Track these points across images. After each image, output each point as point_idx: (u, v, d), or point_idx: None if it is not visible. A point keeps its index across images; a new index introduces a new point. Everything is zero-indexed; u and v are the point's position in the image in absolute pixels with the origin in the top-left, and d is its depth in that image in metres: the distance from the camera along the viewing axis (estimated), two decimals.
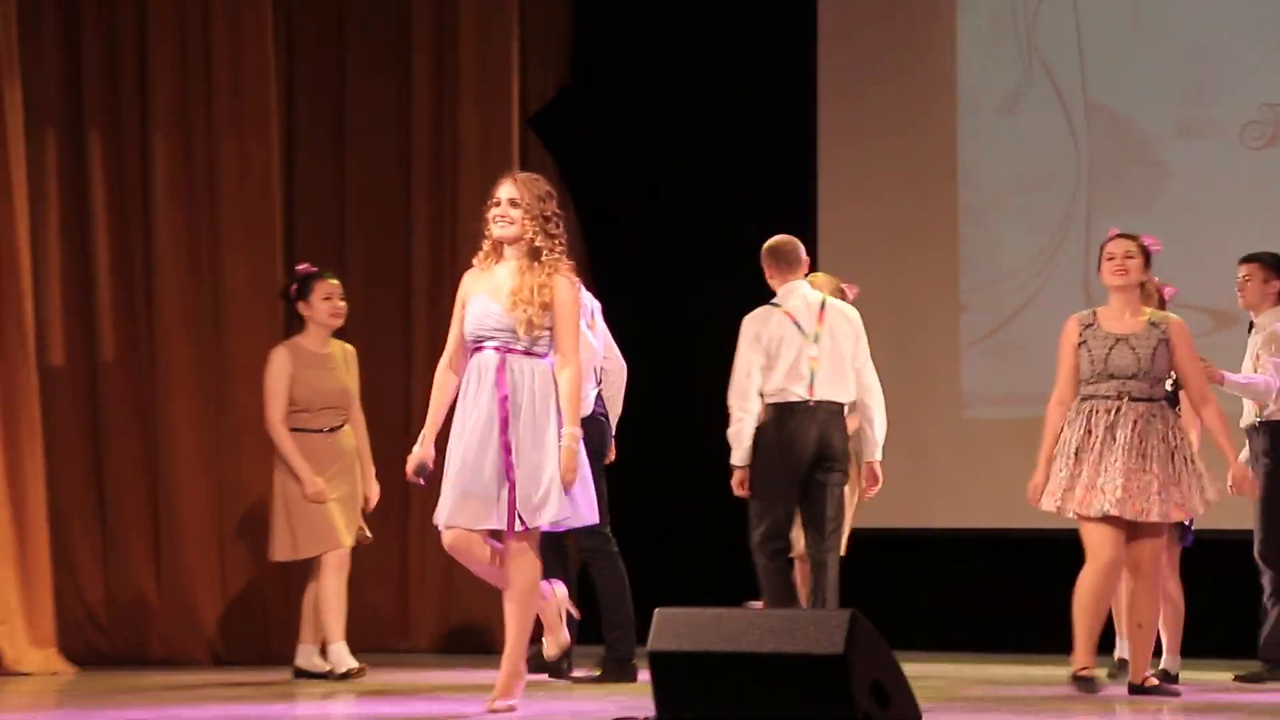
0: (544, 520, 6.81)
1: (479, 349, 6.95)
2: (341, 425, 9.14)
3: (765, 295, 9.08)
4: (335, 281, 9.16)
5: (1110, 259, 7.79)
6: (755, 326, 8.73)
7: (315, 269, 9.27)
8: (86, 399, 10.32)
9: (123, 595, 10.25)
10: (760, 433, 8.66)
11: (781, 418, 8.63)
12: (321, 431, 9.08)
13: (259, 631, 10.20)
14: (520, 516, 6.77)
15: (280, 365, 9.09)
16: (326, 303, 9.08)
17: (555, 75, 12.13)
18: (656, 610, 5.74)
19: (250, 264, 10.36)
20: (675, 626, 5.65)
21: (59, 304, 10.24)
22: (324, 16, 11.48)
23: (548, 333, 6.91)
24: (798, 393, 8.67)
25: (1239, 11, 10.79)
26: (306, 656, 9.06)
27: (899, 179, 11.49)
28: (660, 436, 10.80)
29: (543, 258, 6.93)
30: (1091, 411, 7.72)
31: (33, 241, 9.75)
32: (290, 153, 11.16)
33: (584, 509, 6.92)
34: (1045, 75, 11.21)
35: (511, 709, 6.85)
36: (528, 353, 6.89)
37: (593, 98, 12.11)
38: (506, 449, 6.81)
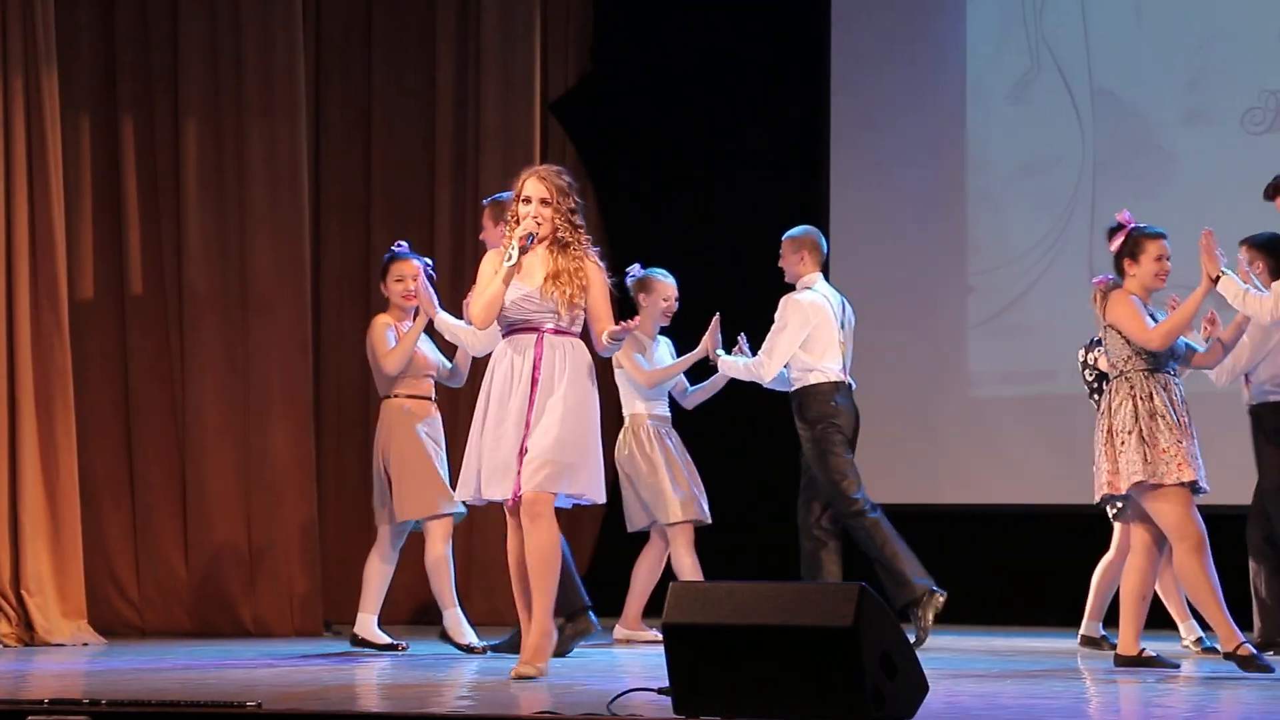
0: (566, 488, 7.08)
1: (514, 333, 7.21)
2: (432, 399, 9.05)
3: (780, 277, 9.38)
4: (416, 262, 8.96)
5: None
6: (806, 311, 9.17)
7: (398, 248, 9.08)
8: (118, 378, 10.49)
9: (151, 569, 10.41)
10: (837, 403, 9.08)
11: (845, 396, 9.18)
12: (423, 399, 8.99)
13: (284, 605, 10.36)
14: (530, 481, 7.02)
15: (383, 325, 8.94)
16: (399, 284, 8.96)
17: (577, 63, 12.24)
18: (671, 583, 5.81)
19: (277, 247, 10.46)
20: (689, 599, 5.63)
21: (92, 286, 10.41)
22: (351, 4, 11.58)
23: (583, 314, 7.21)
24: (840, 373, 9.13)
25: (1240, 1, 10.97)
26: (367, 626, 8.95)
27: (909, 164, 11.66)
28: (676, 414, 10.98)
29: (570, 245, 7.24)
30: (1169, 384, 7.86)
31: (68, 226, 9.87)
32: (318, 139, 11.26)
33: (600, 487, 7.22)
34: (1052, 63, 11.39)
35: (541, 672, 7.07)
36: (563, 332, 7.19)
37: (613, 85, 12.23)
38: (528, 423, 7.06)
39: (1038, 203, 11.34)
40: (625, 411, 9.72)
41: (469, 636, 8.80)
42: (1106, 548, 9.05)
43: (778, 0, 12.03)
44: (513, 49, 11.46)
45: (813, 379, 9.26)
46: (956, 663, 8.15)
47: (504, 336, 7.29)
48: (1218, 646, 7.89)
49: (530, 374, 7.13)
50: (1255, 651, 7.61)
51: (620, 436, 9.68)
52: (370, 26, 11.60)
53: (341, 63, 11.53)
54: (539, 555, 7.13)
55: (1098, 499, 7.93)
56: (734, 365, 9.33)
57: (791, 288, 9.41)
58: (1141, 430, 7.69)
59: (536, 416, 7.09)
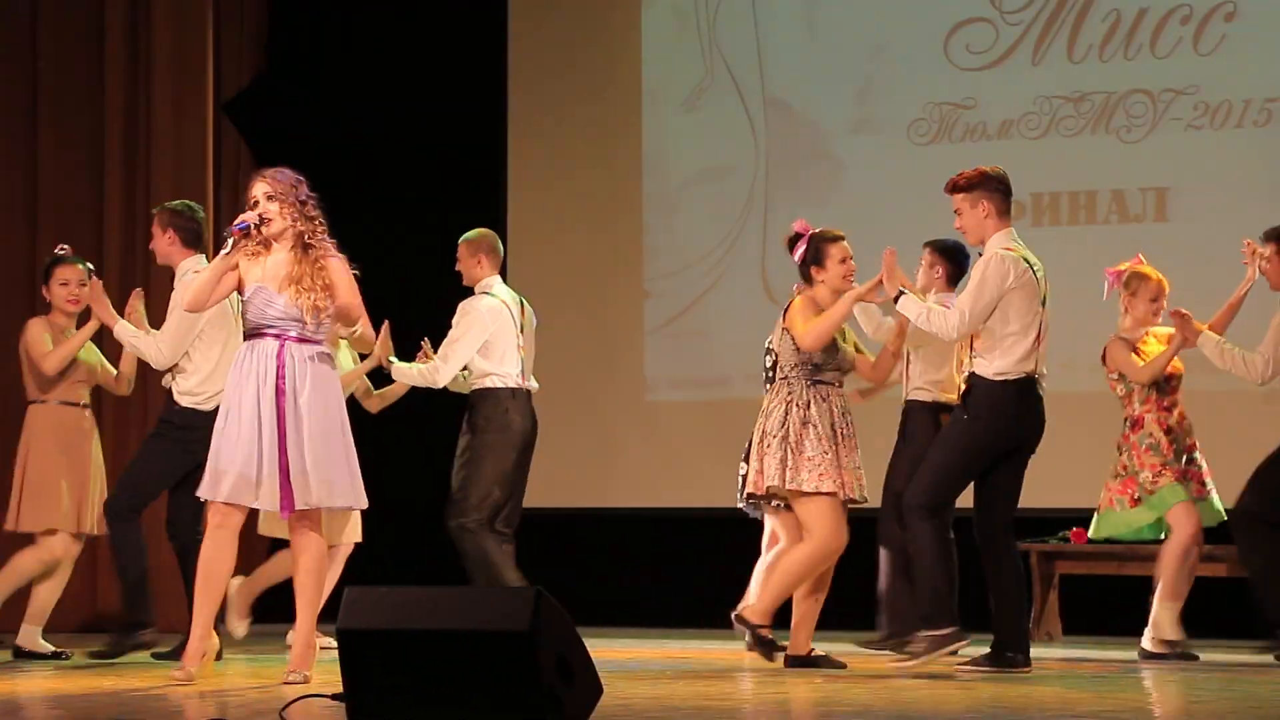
0: (334, 501, 7.12)
1: (257, 336, 7.10)
2: (88, 405, 8.94)
3: (459, 279, 9.36)
4: (80, 267, 8.80)
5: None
6: (484, 316, 9.11)
7: (61, 252, 8.89)
8: None
9: None
10: (507, 413, 9.00)
11: (520, 402, 9.12)
12: (76, 405, 8.86)
13: None
14: (301, 498, 7.02)
15: (39, 330, 8.78)
16: (63, 289, 8.79)
17: (251, 61, 12.09)
18: (346, 588, 5.77)
19: None
20: (363, 604, 5.58)
21: None
22: None
23: (329, 318, 7.15)
24: (518, 378, 9.10)
25: (907, 15, 11.26)
26: (30, 637, 8.82)
27: (585, 169, 11.76)
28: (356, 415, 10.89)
29: (309, 240, 7.14)
30: (830, 394, 8.00)
31: None
32: None
33: (360, 492, 7.23)
34: (726, 71, 11.57)
35: (306, 680, 7.03)
36: (307, 340, 7.11)
37: (289, 84, 12.11)
38: (283, 435, 7.01)
39: (712, 209, 11.50)
40: None
41: None
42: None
43: (455, 1, 12.02)
44: (184, 45, 11.30)
45: (489, 384, 9.24)
46: (631, 665, 8.22)
47: (246, 339, 7.17)
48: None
49: (275, 383, 7.04)
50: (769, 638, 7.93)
51: None
52: (35, 19, 11.32)
53: (4, 58, 11.24)
54: (312, 569, 7.20)
55: (741, 498, 8.07)
56: (408, 372, 9.27)
57: (470, 290, 9.40)
58: (789, 436, 7.85)
59: (291, 429, 7.03)
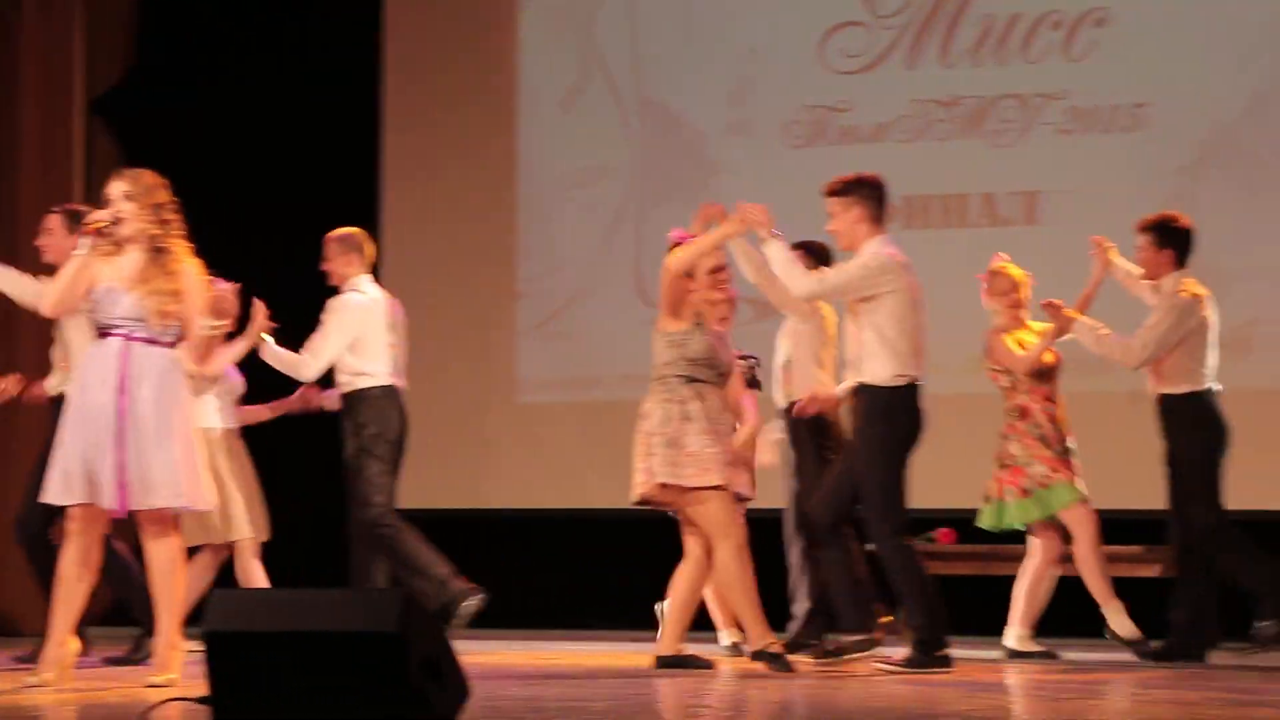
0: (178, 501, 7.01)
1: (103, 335, 7.06)
2: None
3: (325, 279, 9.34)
4: None
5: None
6: (355, 314, 9.10)
7: None
8: None
9: None
10: (382, 411, 9.01)
11: (392, 400, 9.08)
12: None
13: None
14: (137, 498, 6.95)
15: None
16: None
17: (122, 58, 11.97)
18: (213, 591, 5.77)
19: None
20: (230, 606, 5.57)
21: None
22: None
23: (177, 321, 7.07)
24: (389, 376, 9.07)
25: (782, 18, 11.32)
26: None
27: (461, 170, 11.73)
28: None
29: (161, 244, 7.07)
30: (705, 392, 8.02)
31: None
32: None
33: (200, 493, 7.13)
34: (602, 72, 11.59)
35: (170, 683, 6.94)
36: (153, 341, 7.04)
37: (160, 80, 12.01)
38: (123, 433, 6.94)
39: (587, 210, 11.52)
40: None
41: None
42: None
43: None
44: (51, 43, 11.17)
45: (361, 383, 9.21)
46: (500, 666, 8.21)
47: (98, 337, 7.12)
48: (744, 649, 8.14)
49: (117, 382, 6.98)
50: (782, 651, 7.86)
51: None
52: None
53: None
54: (167, 570, 7.11)
55: (634, 500, 8.08)
56: (279, 356, 9.20)
57: (337, 289, 9.36)
58: (670, 433, 7.87)
59: (131, 429, 6.96)
